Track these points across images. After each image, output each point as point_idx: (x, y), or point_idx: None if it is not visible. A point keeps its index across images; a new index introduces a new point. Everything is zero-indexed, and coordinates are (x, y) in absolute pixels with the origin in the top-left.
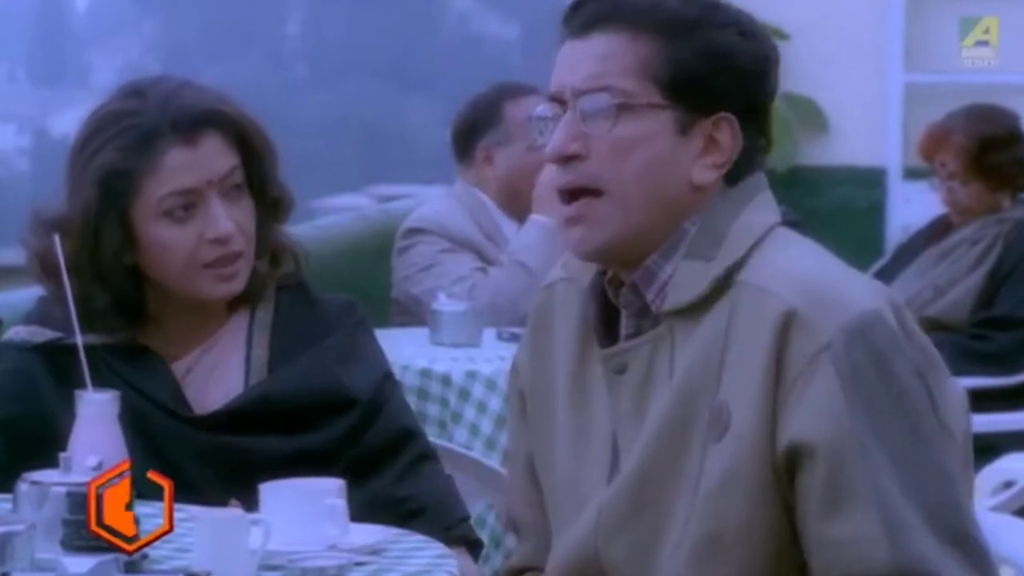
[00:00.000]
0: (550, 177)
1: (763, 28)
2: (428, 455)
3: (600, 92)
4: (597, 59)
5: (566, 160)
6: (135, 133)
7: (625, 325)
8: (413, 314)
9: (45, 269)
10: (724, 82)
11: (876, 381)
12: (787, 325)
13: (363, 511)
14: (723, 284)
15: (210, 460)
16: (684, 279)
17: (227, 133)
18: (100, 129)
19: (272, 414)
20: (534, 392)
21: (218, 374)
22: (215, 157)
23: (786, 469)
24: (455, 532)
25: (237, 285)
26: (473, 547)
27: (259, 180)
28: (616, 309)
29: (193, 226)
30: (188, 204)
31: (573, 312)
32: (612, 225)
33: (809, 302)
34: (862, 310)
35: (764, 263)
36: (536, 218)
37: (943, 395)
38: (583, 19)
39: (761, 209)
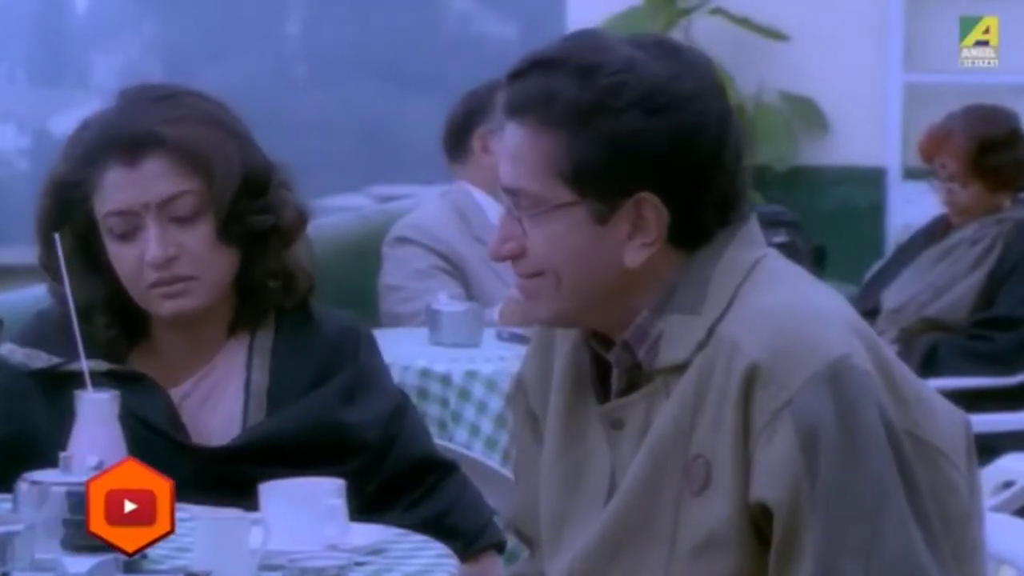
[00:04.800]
0: None
1: (689, 92)
2: (447, 471)
3: (515, 195)
4: (511, 157)
5: (506, 258)
6: (83, 148)
7: (616, 379)
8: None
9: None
10: (633, 167)
11: (837, 440)
12: (752, 380)
13: None
14: (705, 339)
15: (209, 487)
16: (673, 335)
17: (177, 158)
18: (71, 137)
19: (275, 452)
20: (544, 414)
21: (215, 400)
22: (156, 181)
23: (764, 525)
24: (483, 542)
25: (185, 303)
26: (500, 548)
27: (221, 206)
28: (605, 359)
29: (136, 246)
30: (128, 224)
31: (568, 344)
32: (554, 303)
33: (775, 355)
34: (830, 358)
35: (741, 311)
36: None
37: (933, 424)
38: (506, 107)
39: (744, 246)
